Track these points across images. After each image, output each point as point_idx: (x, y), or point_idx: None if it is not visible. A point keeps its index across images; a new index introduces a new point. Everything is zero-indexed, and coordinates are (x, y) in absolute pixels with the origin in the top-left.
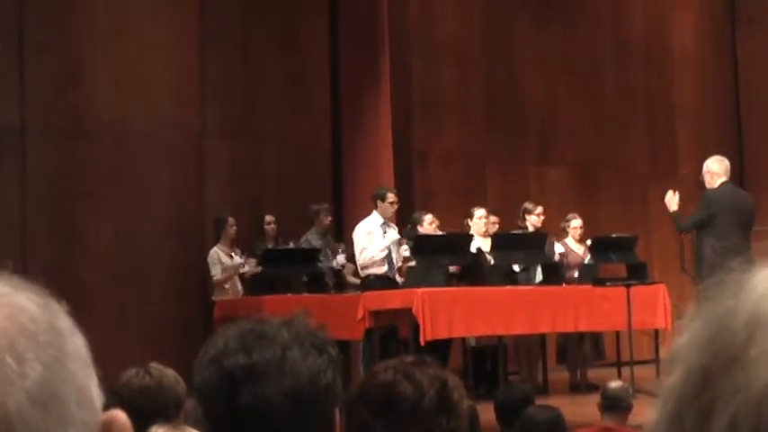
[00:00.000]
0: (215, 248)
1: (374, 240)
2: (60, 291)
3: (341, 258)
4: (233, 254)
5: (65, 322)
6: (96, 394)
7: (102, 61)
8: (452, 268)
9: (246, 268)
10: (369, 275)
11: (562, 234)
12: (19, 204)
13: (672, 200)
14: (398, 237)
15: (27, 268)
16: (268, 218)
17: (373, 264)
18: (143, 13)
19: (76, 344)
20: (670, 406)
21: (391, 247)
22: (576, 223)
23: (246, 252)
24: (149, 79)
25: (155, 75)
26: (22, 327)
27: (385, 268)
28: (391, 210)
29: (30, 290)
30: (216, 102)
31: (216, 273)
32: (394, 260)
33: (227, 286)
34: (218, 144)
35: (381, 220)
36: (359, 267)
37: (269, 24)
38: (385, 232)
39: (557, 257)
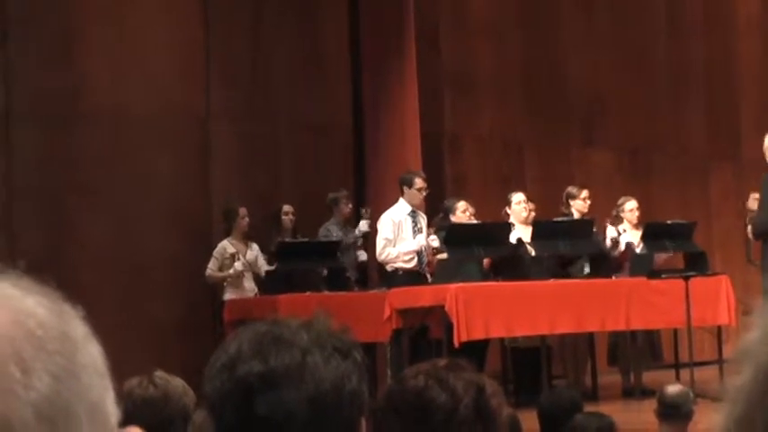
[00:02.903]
0: (225, 242)
1: (402, 232)
2: (51, 292)
3: (363, 225)
4: (249, 249)
5: (79, 330)
6: (112, 410)
7: (97, 36)
8: (484, 261)
9: (262, 266)
10: (396, 270)
11: (615, 221)
12: (4, 197)
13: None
14: (432, 237)
15: (14, 267)
16: (286, 208)
17: (397, 260)
18: None
19: (91, 354)
20: (739, 409)
21: (419, 237)
22: (630, 205)
23: (262, 247)
24: (149, 57)
25: (155, 52)
26: (29, 333)
27: (414, 262)
28: (420, 197)
29: (41, 293)
30: (222, 81)
31: (213, 267)
32: (424, 253)
33: (225, 283)
34: (224, 128)
35: (409, 209)
36: (379, 261)
37: None
38: (414, 222)
39: (608, 243)
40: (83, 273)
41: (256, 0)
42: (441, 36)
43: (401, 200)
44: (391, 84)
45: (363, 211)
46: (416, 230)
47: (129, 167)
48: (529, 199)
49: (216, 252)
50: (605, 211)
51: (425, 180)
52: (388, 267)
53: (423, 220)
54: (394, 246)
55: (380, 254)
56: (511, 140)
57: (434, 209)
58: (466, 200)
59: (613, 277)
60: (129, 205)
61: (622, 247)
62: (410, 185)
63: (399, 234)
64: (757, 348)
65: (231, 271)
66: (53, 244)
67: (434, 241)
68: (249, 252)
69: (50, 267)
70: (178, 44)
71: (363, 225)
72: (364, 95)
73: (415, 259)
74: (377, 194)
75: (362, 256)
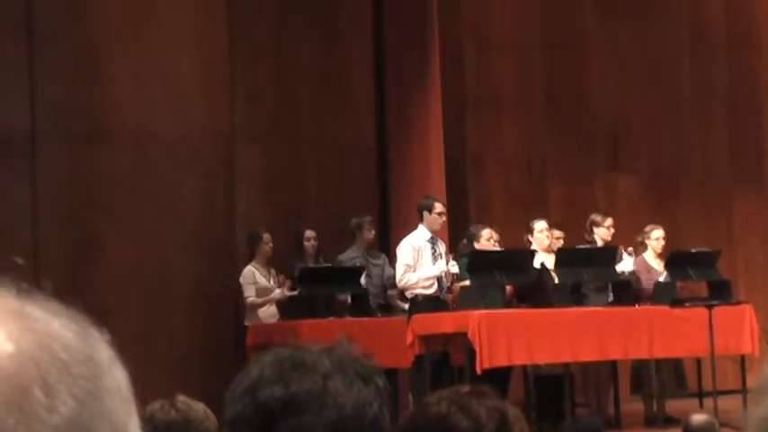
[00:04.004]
0: (249, 266)
1: (422, 259)
2: (77, 314)
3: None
4: (271, 276)
5: (104, 353)
6: None
7: (121, 56)
8: (507, 288)
9: (283, 293)
10: (416, 296)
11: (639, 248)
12: (29, 216)
13: None
14: (451, 263)
15: (39, 288)
16: (308, 233)
17: (416, 286)
18: (166, 1)
19: (116, 378)
20: None
21: (439, 263)
22: (657, 234)
23: (283, 273)
24: (173, 77)
25: (179, 71)
26: (54, 356)
27: (434, 288)
28: (439, 221)
29: (67, 316)
30: (247, 102)
31: (251, 294)
32: (444, 279)
33: (260, 310)
34: (250, 149)
35: (429, 235)
36: (399, 287)
37: (305, 13)
38: (434, 249)
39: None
40: (106, 294)
41: (280, 20)
42: (465, 57)
43: (420, 226)
44: (415, 105)
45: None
46: (436, 256)
47: (154, 188)
48: (552, 224)
49: (245, 279)
50: (629, 235)
51: (445, 205)
52: (408, 294)
53: (442, 246)
54: (414, 272)
55: (401, 280)
56: (534, 163)
57: (457, 232)
58: (490, 226)
59: (636, 306)
60: (154, 226)
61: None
62: (430, 210)
63: (419, 260)
64: None
65: (272, 296)
66: (77, 264)
67: (453, 267)
68: (272, 278)
69: (74, 288)
70: (203, 64)
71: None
72: (388, 117)
73: (435, 285)
74: (399, 218)
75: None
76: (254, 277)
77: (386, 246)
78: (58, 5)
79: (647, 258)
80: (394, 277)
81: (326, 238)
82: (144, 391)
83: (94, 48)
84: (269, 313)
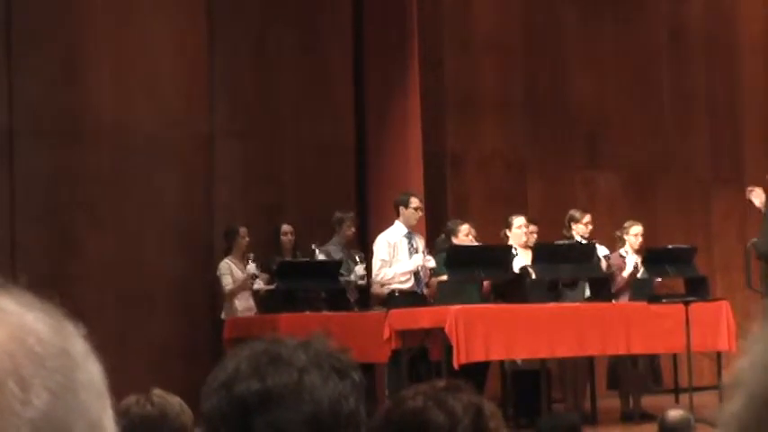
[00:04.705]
0: (226, 260)
1: (398, 254)
2: (53, 308)
3: (359, 270)
4: (246, 265)
5: (79, 347)
6: (110, 428)
7: (101, 55)
8: (485, 283)
9: (260, 284)
10: (394, 291)
11: (617, 244)
12: (7, 215)
13: (758, 194)
14: (427, 257)
15: (15, 282)
16: (285, 227)
17: (393, 281)
18: (147, 0)
19: (90, 372)
20: None
21: (415, 258)
22: (636, 230)
23: (260, 266)
24: (153, 75)
25: (159, 69)
26: (28, 350)
27: (411, 283)
28: (415, 216)
29: (41, 309)
30: (226, 99)
31: (228, 283)
32: (421, 274)
33: (237, 302)
34: (229, 146)
35: (405, 230)
36: (374, 283)
37: (286, 12)
38: (411, 244)
39: (603, 264)
40: (85, 290)
41: (262, 20)
42: (444, 56)
43: (397, 222)
44: (394, 104)
45: (359, 257)
46: (412, 251)
47: (133, 185)
48: (531, 220)
49: (222, 270)
50: (607, 232)
51: (421, 200)
52: (385, 289)
53: (419, 241)
54: (390, 267)
55: (377, 275)
56: (513, 161)
57: (436, 230)
58: (467, 220)
59: (613, 301)
60: (132, 223)
61: (630, 268)
62: (406, 206)
63: (395, 255)
64: (749, 375)
65: (245, 274)
66: (55, 261)
67: (430, 262)
68: (249, 266)
69: (52, 284)
70: (183, 63)
71: (360, 270)
72: (367, 115)
73: (412, 280)
74: (378, 215)
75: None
76: (230, 269)
77: (364, 242)
78: (37, 4)
79: (622, 254)
80: (368, 275)
81: (304, 235)
82: (121, 385)
83: (73, 46)
84: (246, 306)
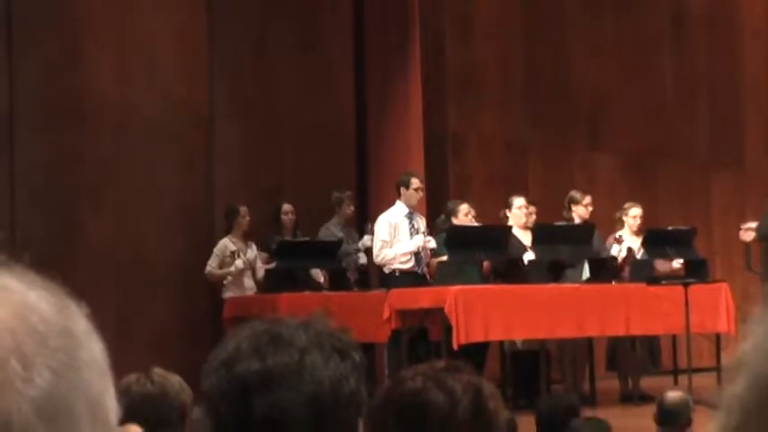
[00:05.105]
0: (225, 239)
1: (399, 234)
2: (55, 287)
3: (367, 240)
4: (248, 248)
5: (81, 326)
6: (112, 407)
7: (101, 38)
8: (485, 264)
9: (262, 273)
10: (394, 271)
11: (617, 225)
12: (8, 198)
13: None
14: (428, 238)
15: (18, 260)
16: (285, 207)
17: (393, 261)
18: None
19: (93, 350)
20: (733, 418)
21: (416, 238)
22: (635, 212)
23: (260, 246)
24: (153, 57)
25: (159, 53)
26: (30, 328)
27: (411, 263)
28: (416, 197)
29: (44, 288)
30: (226, 80)
31: (213, 265)
32: (422, 254)
33: (225, 282)
34: (229, 127)
35: (406, 210)
36: (376, 262)
37: None
38: (411, 224)
39: (615, 252)
40: (86, 271)
41: (262, 2)
42: (445, 37)
43: (398, 202)
44: (395, 85)
45: (368, 226)
46: (413, 232)
47: (133, 168)
48: (531, 202)
49: (217, 250)
50: (607, 215)
51: (422, 180)
52: (386, 269)
53: (420, 221)
54: (391, 247)
55: (377, 255)
56: (514, 143)
57: (437, 210)
58: (468, 202)
59: (613, 282)
60: (133, 205)
61: (624, 252)
62: (407, 186)
63: (396, 236)
64: (752, 358)
65: (232, 269)
66: (56, 242)
67: (430, 242)
68: (249, 251)
69: (53, 265)
70: (182, 44)
71: (367, 240)
72: (368, 96)
73: (412, 260)
74: (379, 196)
75: (362, 259)
76: (225, 250)
77: (364, 223)
78: None
79: (623, 235)
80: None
81: (305, 215)
82: (122, 365)
83: (75, 30)
84: (247, 286)
